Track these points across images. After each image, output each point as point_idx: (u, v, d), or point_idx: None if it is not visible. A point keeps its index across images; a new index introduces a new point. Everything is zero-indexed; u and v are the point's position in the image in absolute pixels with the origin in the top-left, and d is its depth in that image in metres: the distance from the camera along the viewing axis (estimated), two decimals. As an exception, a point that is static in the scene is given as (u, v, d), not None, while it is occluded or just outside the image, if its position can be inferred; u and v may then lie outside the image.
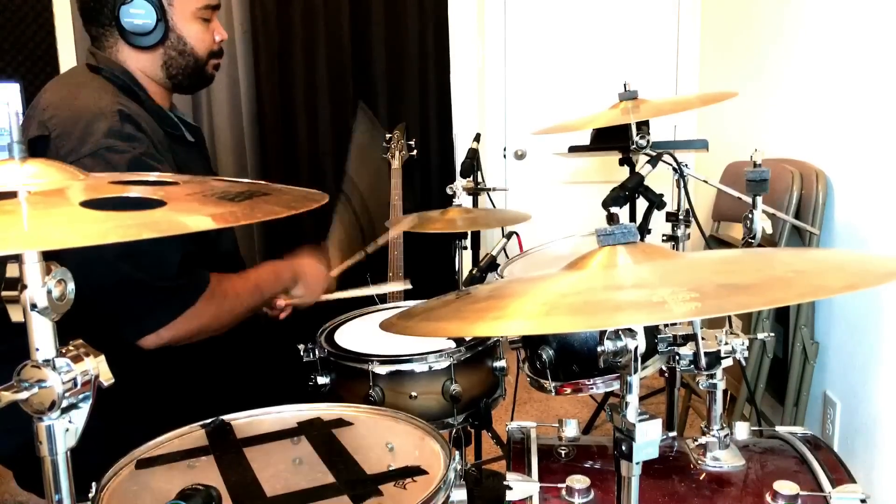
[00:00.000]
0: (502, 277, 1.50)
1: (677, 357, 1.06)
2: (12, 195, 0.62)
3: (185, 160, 1.43)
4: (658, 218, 1.65)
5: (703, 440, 1.05)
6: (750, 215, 1.33)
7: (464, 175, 2.23)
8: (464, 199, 1.85)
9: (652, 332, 1.05)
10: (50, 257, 0.62)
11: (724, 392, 1.09)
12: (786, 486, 0.94)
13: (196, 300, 1.24)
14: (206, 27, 1.43)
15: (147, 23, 1.35)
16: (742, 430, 1.11)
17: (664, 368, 1.16)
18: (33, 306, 0.61)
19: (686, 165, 1.55)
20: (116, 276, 1.17)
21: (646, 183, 1.57)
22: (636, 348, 0.68)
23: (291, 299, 1.50)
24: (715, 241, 2.44)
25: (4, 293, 0.62)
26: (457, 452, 0.95)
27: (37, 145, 1.23)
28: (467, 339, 1.34)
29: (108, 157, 1.20)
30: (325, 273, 1.54)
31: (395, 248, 2.27)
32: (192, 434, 1.04)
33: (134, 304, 1.22)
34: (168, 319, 1.22)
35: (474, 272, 1.53)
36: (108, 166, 1.19)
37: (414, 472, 0.92)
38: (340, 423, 1.08)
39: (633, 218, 2.11)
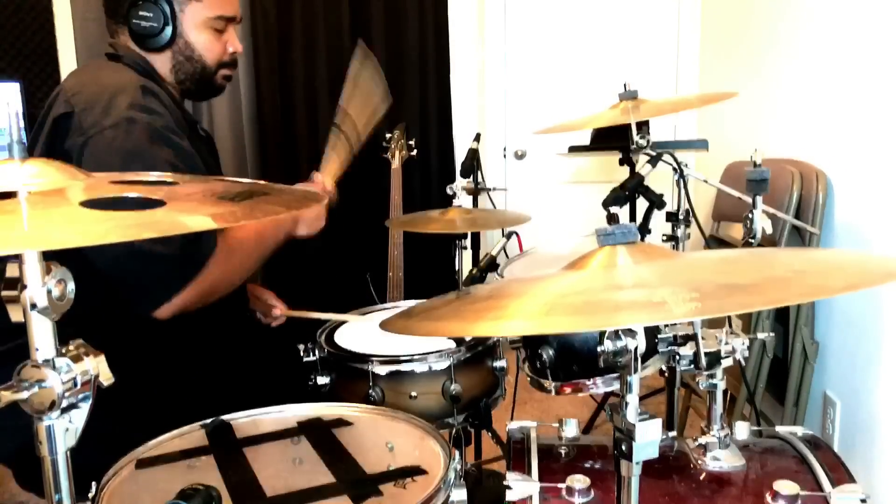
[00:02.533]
0: (502, 277, 1.50)
1: (677, 357, 1.05)
2: (12, 195, 0.62)
3: (198, 149, 1.44)
4: (658, 218, 1.65)
5: (703, 440, 1.05)
6: (750, 215, 1.33)
7: (464, 175, 2.23)
8: (464, 200, 1.85)
9: (652, 332, 1.05)
10: (51, 256, 0.62)
11: (724, 392, 1.09)
12: (786, 486, 0.94)
13: (204, 264, 1.23)
14: (217, 37, 1.45)
15: (154, 25, 1.38)
16: (742, 430, 1.11)
17: (664, 368, 1.16)
18: (33, 306, 0.61)
19: (686, 165, 1.55)
20: (125, 248, 1.16)
21: (646, 183, 1.57)
22: (636, 348, 0.68)
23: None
24: (715, 241, 2.44)
25: (4, 293, 0.62)
26: (457, 452, 0.95)
27: (60, 123, 1.24)
28: (467, 339, 1.34)
29: (128, 128, 1.21)
30: (320, 206, 1.51)
31: (396, 247, 2.27)
32: (192, 434, 1.04)
33: (144, 276, 1.21)
34: (179, 287, 1.21)
35: (474, 272, 1.53)
36: (130, 137, 1.20)
37: (414, 471, 0.92)
38: (340, 423, 1.08)
39: (633, 218, 2.11)
